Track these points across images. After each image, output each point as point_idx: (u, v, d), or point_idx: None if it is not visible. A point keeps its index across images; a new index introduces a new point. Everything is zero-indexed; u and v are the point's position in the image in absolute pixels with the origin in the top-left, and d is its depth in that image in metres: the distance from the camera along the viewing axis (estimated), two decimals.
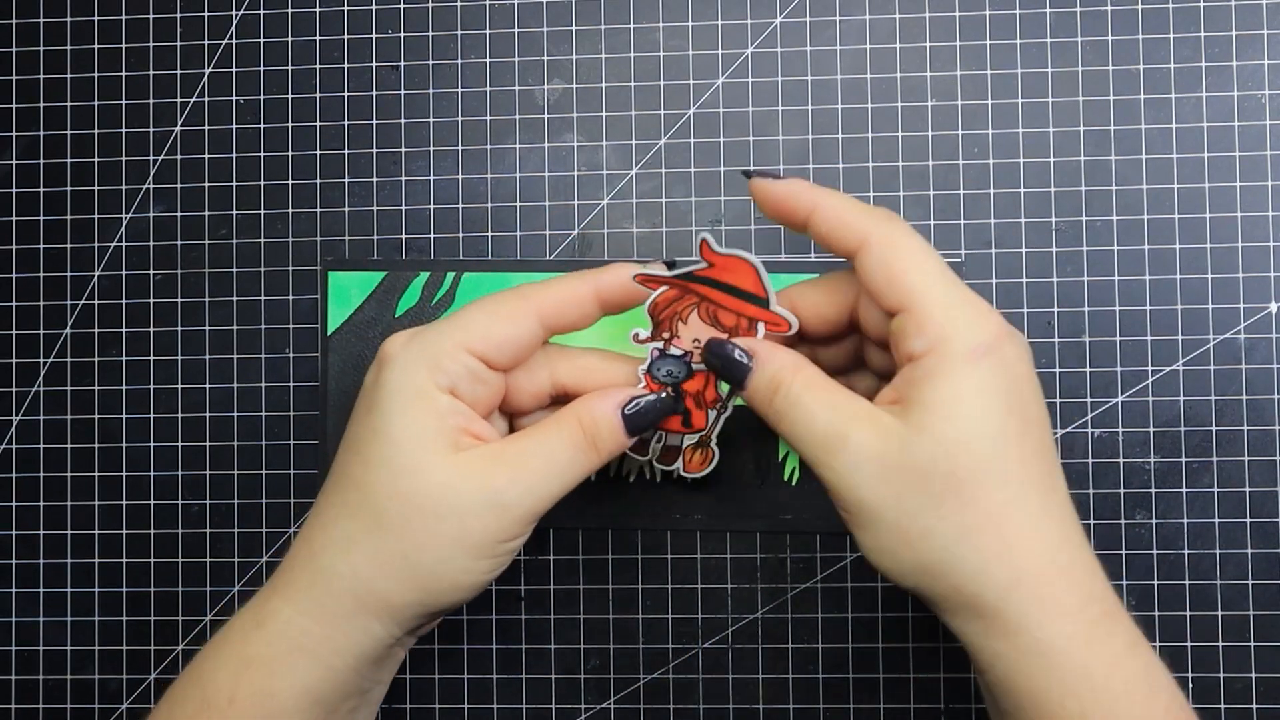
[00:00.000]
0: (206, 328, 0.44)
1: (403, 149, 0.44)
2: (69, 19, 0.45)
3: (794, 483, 0.42)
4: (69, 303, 0.45)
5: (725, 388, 0.38)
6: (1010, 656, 0.32)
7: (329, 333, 0.44)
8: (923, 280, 0.33)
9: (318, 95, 0.45)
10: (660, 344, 0.37)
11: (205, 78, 0.45)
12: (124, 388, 0.45)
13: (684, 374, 0.38)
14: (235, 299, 0.44)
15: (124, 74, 0.45)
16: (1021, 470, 0.32)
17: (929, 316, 0.32)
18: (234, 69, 0.45)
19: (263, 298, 0.44)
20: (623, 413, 0.36)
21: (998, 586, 0.32)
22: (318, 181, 0.44)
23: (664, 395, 0.37)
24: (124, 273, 0.45)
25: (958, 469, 0.32)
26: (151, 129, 0.45)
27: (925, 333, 0.32)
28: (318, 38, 0.45)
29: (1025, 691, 0.32)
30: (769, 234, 0.43)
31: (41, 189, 0.45)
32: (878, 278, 0.33)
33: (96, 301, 0.45)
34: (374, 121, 0.44)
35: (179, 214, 0.45)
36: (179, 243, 0.45)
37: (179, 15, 0.45)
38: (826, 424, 0.33)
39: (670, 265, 0.37)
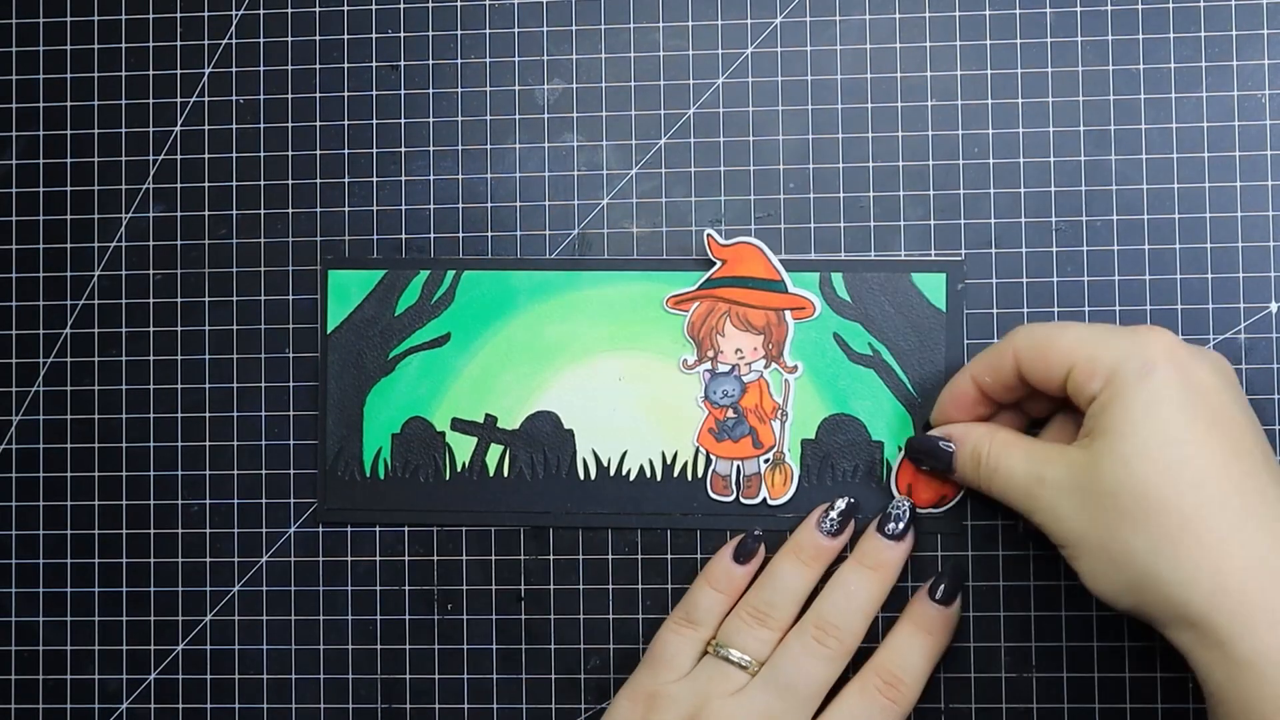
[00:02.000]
0: (206, 328, 0.44)
1: (403, 149, 0.44)
2: (69, 19, 0.45)
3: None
4: (69, 303, 0.45)
5: (779, 394, 0.39)
6: (1221, 666, 0.32)
7: (329, 332, 0.44)
8: (1074, 335, 0.35)
9: (318, 95, 0.45)
10: (709, 365, 0.37)
11: (205, 78, 0.45)
12: (124, 388, 0.45)
13: (738, 391, 0.38)
14: (235, 299, 0.44)
15: (124, 74, 0.45)
16: (1215, 474, 0.32)
17: (1096, 358, 0.34)
18: (234, 69, 0.45)
19: (262, 297, 0.44)
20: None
21: (1202, 594, 0.32)
22: (318, 181, 0.44)
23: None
24: (124, 273, 0.45)
25: (1143, 481, 0.33)
26: (151, 129, 0.45)
27: (1098, 372, 0.34)
28: (318, 38, 0.45)
29: (1237, 701, 0.32)
30: (769, 234, 0.43)
31: (41, 189, 0.45)
32: (1035, 363, 0.36)
33: (96, 301, 0.45)
34: (374, 121, 0.44)
35: (179, 214, 0.45)
36: (179, 243, 0.45)
37: (179, 15, 0.45)
38: (1024, 473, 0.36)
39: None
